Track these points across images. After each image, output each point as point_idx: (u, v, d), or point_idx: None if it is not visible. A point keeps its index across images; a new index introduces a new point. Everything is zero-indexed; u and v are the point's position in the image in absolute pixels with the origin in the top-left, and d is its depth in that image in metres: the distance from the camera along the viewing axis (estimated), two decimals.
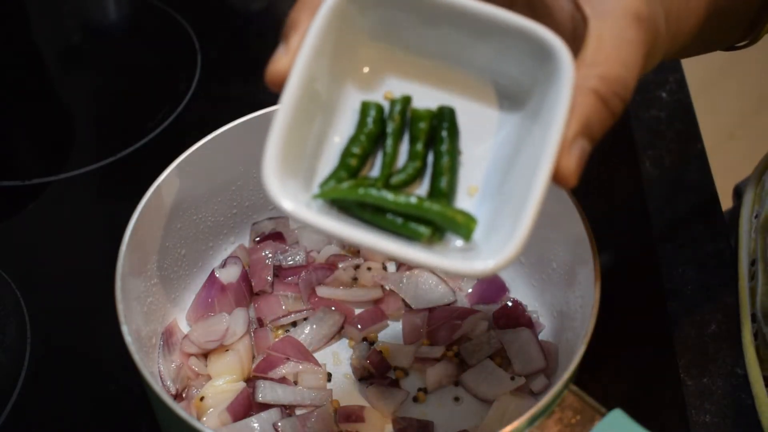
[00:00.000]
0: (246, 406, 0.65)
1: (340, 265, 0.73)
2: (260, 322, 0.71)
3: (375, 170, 0.48)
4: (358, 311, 0.73)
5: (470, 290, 0.74)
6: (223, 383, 0.66)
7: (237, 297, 0.71)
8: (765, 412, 0.68)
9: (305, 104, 0.46)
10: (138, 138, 0.89)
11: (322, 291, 0.73)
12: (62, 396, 0.71)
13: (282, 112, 0.45)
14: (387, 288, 0.73)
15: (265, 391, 0.66)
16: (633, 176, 0.86)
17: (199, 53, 0.99)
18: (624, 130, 0.90)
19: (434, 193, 0.47)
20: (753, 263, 0.73)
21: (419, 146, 0.48)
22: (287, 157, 0.45)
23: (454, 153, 0.48)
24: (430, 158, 0.49)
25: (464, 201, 0.48)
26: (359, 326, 0.71)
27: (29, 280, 0.77)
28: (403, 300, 0.72)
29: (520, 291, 0.73)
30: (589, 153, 0.45)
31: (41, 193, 0.86)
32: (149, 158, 0.88)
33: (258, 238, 0.76)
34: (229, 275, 0.71)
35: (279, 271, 0.74)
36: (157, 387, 0.55)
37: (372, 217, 0.46)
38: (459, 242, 0.46)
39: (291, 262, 0.73)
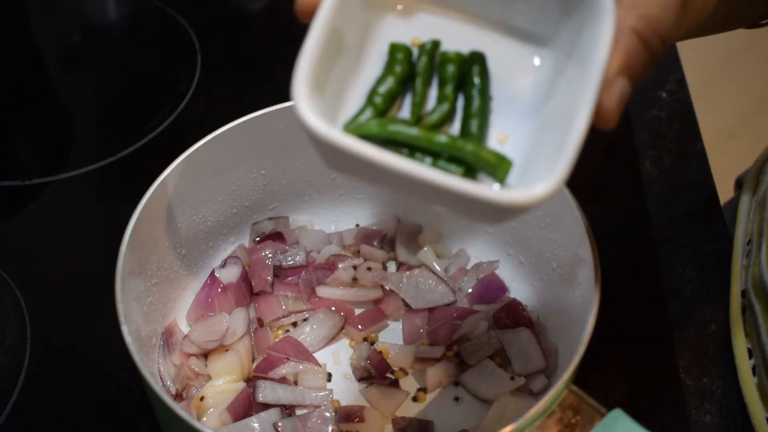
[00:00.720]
0: (246, 406, 0.65)
1: (340, 265, 0.73)
2: (260, 322, 0.71)
3: (403, 113, 0.47)
4: (358, 311, 0.73)
5: (470, 290, 0.74)
6: (223, 383, 0.66)
7: (237, 297, 0.71)
8: (747, 382, 0.68)
9: (335, 37, 0.44)
10: (138, 138, 0.89)
11: (322, 291, 0.73)
12: (62, 396, 0.71)
13: (311, 43, 0.43)
14: (387, 288, 0.73)
15: (266, 391, 0.66)
16: (633, 176, 0.86)
17: (199, 53, 0.99)
18: (624, 130, 0.90)
19: (464, 135, 0.46)
20: (749, 243, 0.74)
21: (448, 89, 0.47)
22: (315, 89, 0.43)
23: (485, 96, 0.47)
24: (460, 103, 0.47)
25: (495, 147, 0.46)
26: (359, 326, 0.71)
27: (29, 280, 0.77)
28: (403, 300, 0.72)
29: (520, 291, 0.73)
30: (629, 94, 0.45)
31: (41, 193, 0.86)
32: (149, 158, 0.88)
33: (258, 238, 0.75)
34: (229, 275, 0.71)
35: (279, 271, 0.74)
36: (157, 387, 0.55)
37: None
38: (495, 186, 0.44)
39: (291, 262, 0.73)
